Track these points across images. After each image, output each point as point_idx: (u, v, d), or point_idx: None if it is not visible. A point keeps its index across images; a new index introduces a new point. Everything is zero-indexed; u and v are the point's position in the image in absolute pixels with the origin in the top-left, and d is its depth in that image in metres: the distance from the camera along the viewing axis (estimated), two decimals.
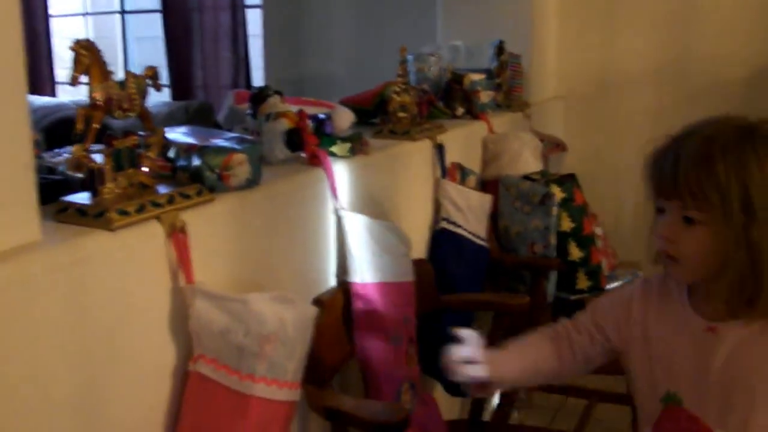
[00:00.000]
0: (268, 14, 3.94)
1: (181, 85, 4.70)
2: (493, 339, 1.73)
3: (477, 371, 1.15)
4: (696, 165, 0.97)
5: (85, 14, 5.97)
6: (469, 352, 1.16)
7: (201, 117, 3.97)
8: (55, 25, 5.29)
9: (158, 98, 4.60)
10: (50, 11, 5.26)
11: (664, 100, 2.96)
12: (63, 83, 5.16)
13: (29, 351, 0.90)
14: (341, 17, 3.67)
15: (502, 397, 2.06)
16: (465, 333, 1.19)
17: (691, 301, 1.08)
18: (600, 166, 2.75)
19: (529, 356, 1.22)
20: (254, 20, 4.37)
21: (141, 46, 5.38)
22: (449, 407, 1.91)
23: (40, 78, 5.10)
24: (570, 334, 1.19)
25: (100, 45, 1.06)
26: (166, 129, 1.30)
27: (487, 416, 1.86)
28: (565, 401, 2.73)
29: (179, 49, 4.67)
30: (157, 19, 4.76)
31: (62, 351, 0.95)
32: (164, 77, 4.75)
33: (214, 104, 4.07)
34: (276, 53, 3.94)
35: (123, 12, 5.38)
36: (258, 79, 4.42)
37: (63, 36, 5.38)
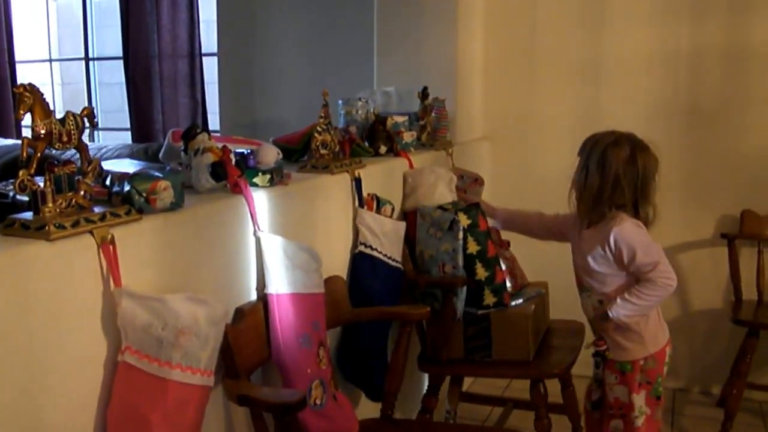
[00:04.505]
0: (223, 62, 4.21)
1: (142, 128, 4.92)
2: (399, 346, 1.97)
3: None
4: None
5: (50, 60, 6.22)
6: None
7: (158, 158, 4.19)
8: (20, 71, 5.51)
9: (120, 140, 4.85)
10: (16, 57, 5.48)
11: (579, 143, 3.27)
12: (27, 126, 5.35)
13: None
14: (291, 66, 3.95)
15: (425, 399, 2.29)
16: None
17: None
18: (522, 201, 3.02)
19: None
20: (210, 68, 4.64)
21: (105, 91, 5.62)
22: (375, 413, 2.10)
23: (5, 121, 5.30)
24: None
25: (66, 89, 1.29)
26: (114, 159, 1.55)
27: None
28: (490, 412, 2.95)
29: (140, 94, 4.90)
30: (120, 66, 5.01)
31: (5, 342, 1.14)
32: (126, 121, 4.99)
33: None
34: (231, 98, 4.20)
35: (87, 59, 5.61)
36: (214, 122, 4.66)
37: (29, 81, 5.59)
